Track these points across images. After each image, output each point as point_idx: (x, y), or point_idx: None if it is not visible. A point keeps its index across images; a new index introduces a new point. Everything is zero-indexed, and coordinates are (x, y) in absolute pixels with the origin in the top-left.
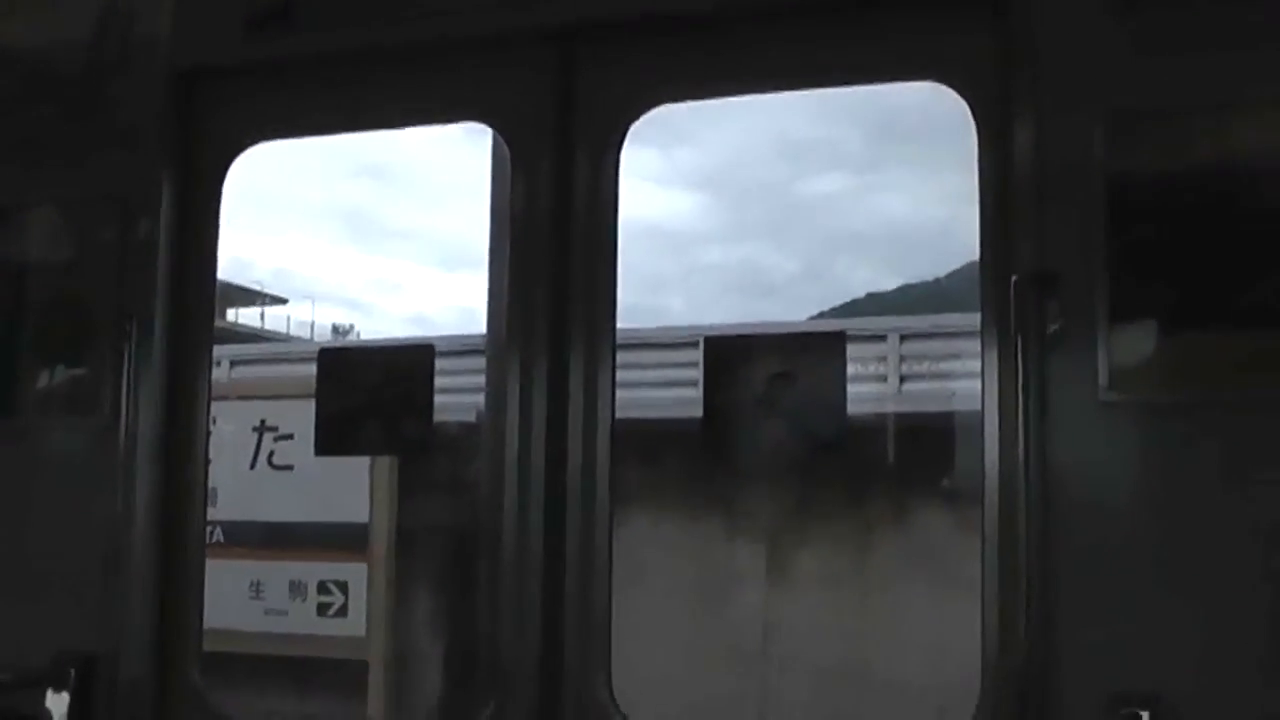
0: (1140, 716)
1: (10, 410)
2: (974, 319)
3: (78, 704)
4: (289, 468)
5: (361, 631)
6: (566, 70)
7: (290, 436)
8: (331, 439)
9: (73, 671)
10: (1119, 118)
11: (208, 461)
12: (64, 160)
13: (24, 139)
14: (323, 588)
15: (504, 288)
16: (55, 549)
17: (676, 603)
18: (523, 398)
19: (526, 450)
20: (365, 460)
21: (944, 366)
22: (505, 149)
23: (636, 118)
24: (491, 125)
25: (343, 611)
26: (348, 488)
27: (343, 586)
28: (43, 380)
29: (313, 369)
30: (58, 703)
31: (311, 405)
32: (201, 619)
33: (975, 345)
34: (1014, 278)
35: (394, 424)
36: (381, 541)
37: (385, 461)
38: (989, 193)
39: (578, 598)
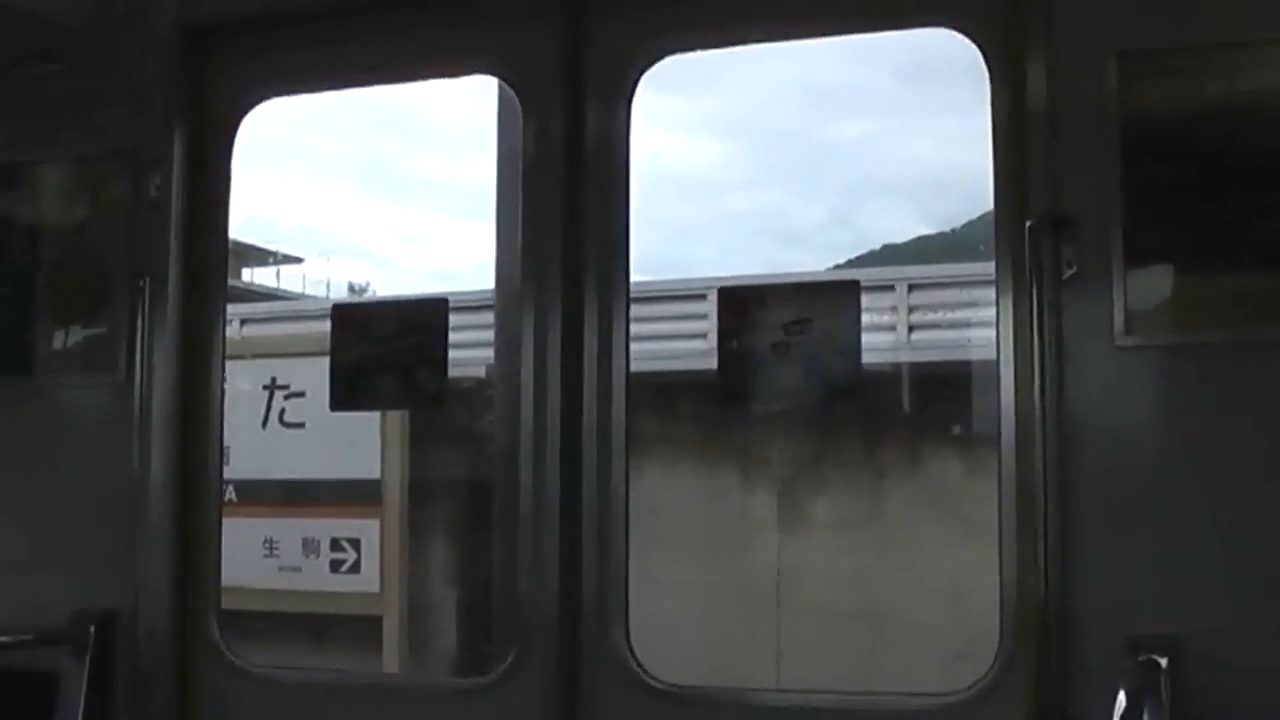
0: (1158, 663)
1: (25, 369)
2: (985, 267)
3: (97, 661)
4: (300, 425)
5: (374, 588)
6: (575, 21)
7: (301, 394)
8: (346, 394)
9: (92, 629)
10: (1132, 58)
11: (223, 419)
12: (74, 118)
13: (33, 97)
14: (335, 545)
15: (513, 239)
16: (72, 508)
17: (692, 551)
18: (536, 349)
19: (541, 401)
20: (376, 417)
21: (956, 315)
22: (512, 101)
23: (647, 68)
24: (501, 78)
25: (355, 568)
26: (359, 445)
27: (355, 544)
28: (57, 339)
29: (323, 326)
30: (78, 660)
31: (322, 362)
32: (219, 575)
33: (987, 294)
34: (1028, 222)
35: (409, 379)
36: (394, 497)
37: (396, 417)
38: (1002, 137)
39: (594, 548)
